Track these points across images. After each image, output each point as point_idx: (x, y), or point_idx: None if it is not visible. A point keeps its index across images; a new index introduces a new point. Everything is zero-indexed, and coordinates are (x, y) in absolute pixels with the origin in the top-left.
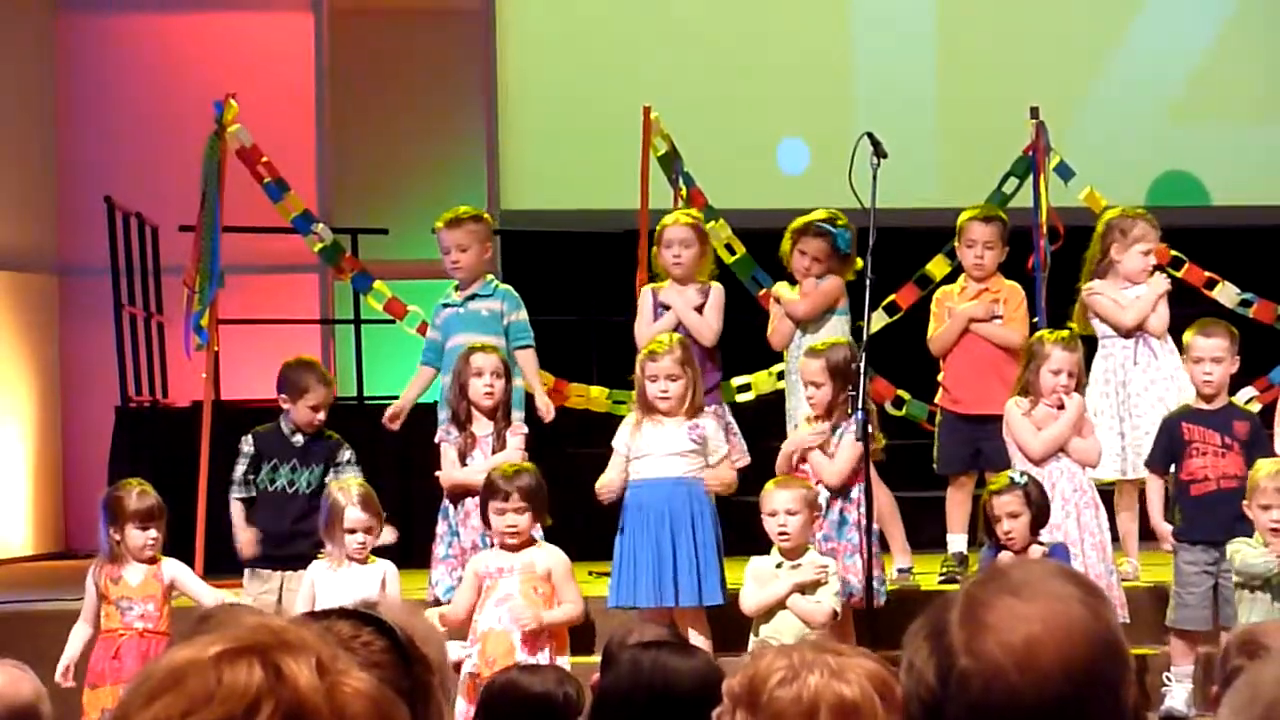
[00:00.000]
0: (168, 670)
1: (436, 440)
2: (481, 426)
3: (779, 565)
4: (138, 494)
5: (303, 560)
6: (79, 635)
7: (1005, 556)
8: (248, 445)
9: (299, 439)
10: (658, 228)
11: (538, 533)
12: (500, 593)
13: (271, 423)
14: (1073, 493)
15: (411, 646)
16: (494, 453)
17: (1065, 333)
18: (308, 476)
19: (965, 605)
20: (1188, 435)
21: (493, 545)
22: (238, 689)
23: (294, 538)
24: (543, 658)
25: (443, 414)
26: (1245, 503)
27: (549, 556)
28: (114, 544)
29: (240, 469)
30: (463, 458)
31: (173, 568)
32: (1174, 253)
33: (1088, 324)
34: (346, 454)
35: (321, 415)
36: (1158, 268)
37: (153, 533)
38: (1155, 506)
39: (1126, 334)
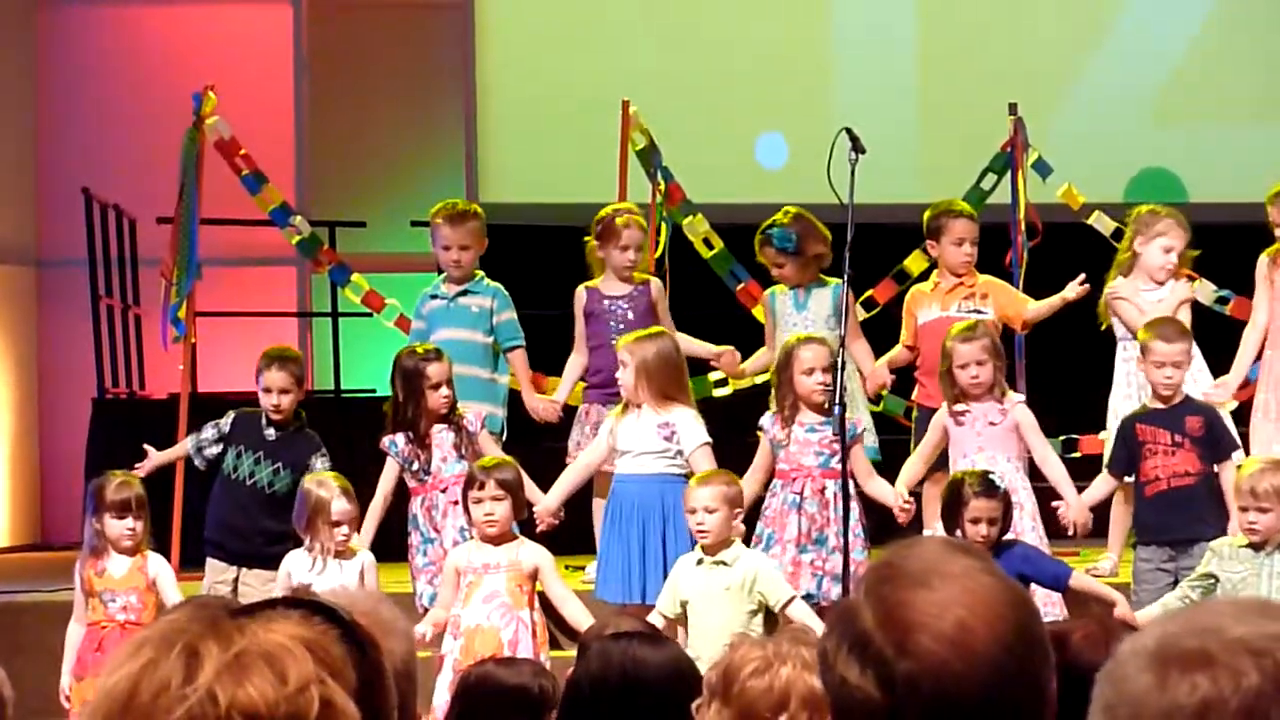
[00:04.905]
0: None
1: (382, 447)
2: (435, 426)
3: (699, 562)
4: (117, 484)
5: (260, 560)
6: (73, 638)
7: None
8: (225, 421)
9: (272, 432)
10: (614, 223)
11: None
12: (486, 589)
13: (259, 407)
14: None
15: (362, 631)
16: (454, 448)
17: (961, 326)
18: (269, 474)
19: (880, 609)
20: (1141, 436)
21: (471, 539)
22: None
23: (252, 535)
24: (526, 653)
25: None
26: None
27: (535, 554)
28: (96, 534)
29: (207, 433)
30: (421, 467)
31: (157, 565)
32: None
33: (1109, 319)
34: (319, 462)
35: (276, 399)
36: (1189, 277)
37: (129, 522)
38: (1090, 496)
39: None
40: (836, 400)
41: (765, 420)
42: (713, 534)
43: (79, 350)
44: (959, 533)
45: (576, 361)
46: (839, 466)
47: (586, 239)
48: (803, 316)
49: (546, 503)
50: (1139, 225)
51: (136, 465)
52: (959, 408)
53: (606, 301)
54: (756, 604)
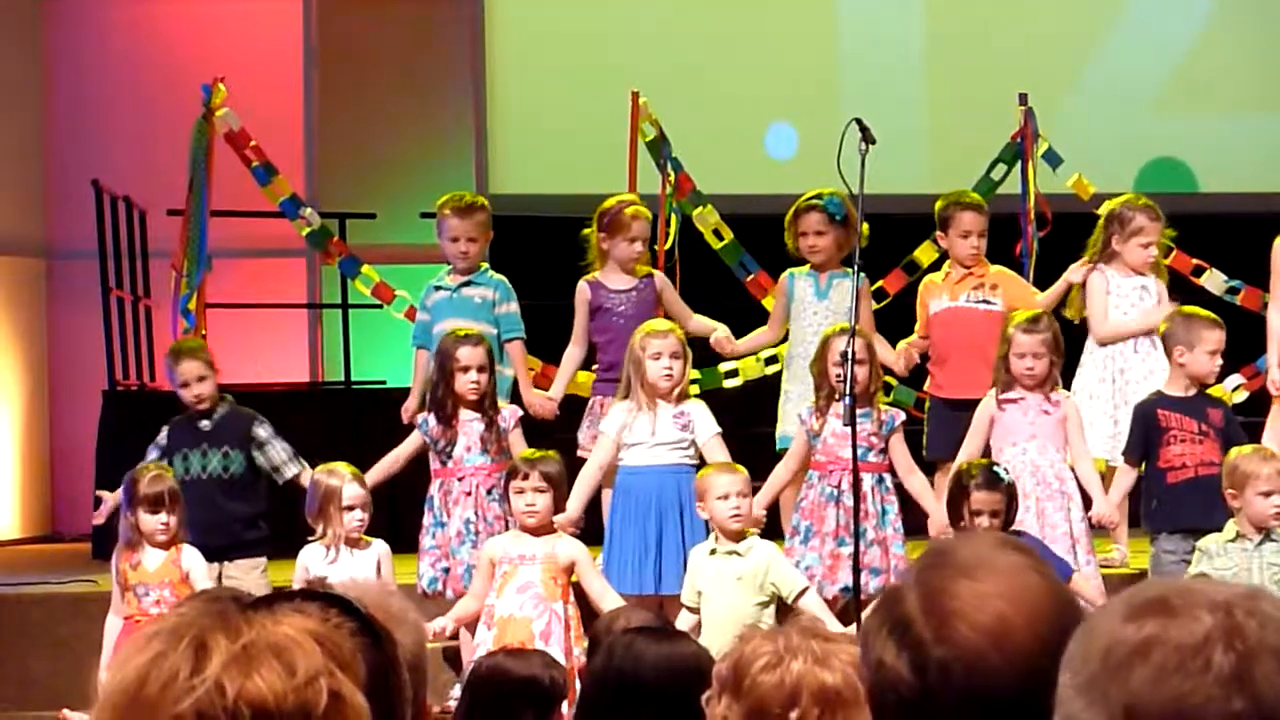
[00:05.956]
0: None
1: (413, 425)
2: (466, 414)
3: (712, 552)
4: (150, 478)
5: (240, 548)
6: (112, 631)
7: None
8: (162, 436)
9: (205, 423)
10: (622, 215)
11: None
12: (521, 580)
13: (187, 410)
14: (1034, 486)
15: (377, 623)
16: (481, 440)
17: (1027, 315)
18: (219, 460)
19: (923, 595)
20: (1164, 422)
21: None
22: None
23: (226, 524)
24: (557, 646)
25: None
26: (1230, 492)
27: (571, 548)
28: (131, 528)
29: (151, 456)
30: (444, 450)
31: (191, 558)
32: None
33: (1083, 308)
34: (263, 431)
35: (196, 390)
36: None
37: (162, 516)
38: (1116, 493)
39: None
40: (847, 391)
41: (804, 411)
42: (745, 519)
43: (89, 342)
44: (961, 524)
45: (575, 355)
46: (878, 460)
47: (586, 230)
48: (824, 305)
49: (570, 513)
50: (1113, 224)
51: (95, 512)
52: (1012, 394)
53: (613, 295)
54: (768, 595)
